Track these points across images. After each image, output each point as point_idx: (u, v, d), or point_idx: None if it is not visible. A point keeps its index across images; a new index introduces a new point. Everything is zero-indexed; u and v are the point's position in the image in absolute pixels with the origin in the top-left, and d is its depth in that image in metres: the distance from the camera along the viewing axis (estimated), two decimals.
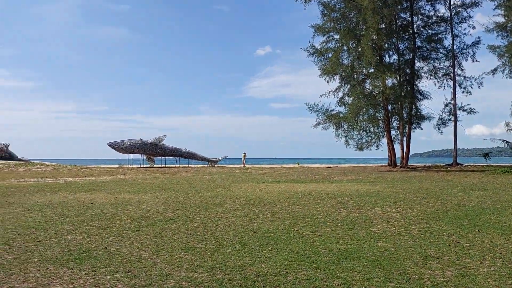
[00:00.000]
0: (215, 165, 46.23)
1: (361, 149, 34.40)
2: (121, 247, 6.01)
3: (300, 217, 8.61)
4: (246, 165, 45.91)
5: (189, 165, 45.07)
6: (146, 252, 5.68)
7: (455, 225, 7.70)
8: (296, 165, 45.67)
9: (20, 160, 39.41)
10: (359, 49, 33.07)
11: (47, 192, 14.92)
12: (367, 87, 35.84)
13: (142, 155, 42.68)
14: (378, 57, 32.96)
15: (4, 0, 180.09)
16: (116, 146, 40.92)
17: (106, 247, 5.95)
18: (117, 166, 42.61)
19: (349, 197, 12.58)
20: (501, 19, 35.99)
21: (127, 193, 14.54)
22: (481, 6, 36.88)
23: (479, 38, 37.18)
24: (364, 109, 33.48)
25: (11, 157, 39.44)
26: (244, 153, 47.11)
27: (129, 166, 41.40)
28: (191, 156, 45.67)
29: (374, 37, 31.75)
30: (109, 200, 12.26)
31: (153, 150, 42.39)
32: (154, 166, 42.52)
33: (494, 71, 37.21)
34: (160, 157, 44.02)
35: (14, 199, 12.71)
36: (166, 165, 44.65)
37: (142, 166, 42.04)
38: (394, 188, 15.61)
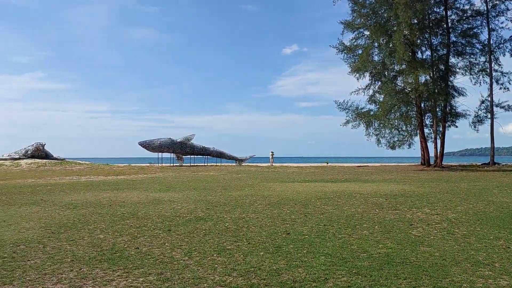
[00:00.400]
0: (243, 164, 46.24)
1: (393, 148, 33.45)
2: (152, 247, 5.91)
3: (334, 219, 8.30)
4: (273, 164, 45.67)
5: (217, 164, 45.27)
6: (178, 253, 5.56)
7: (502, 229, 7.20)
8: (325, 164, 45.04)
9: (55, 159, 40.69)
10: (391, 45, 32.17)
11: (80, 191, 15.21)
12: (399, 84, 34.81)
13: (172, 154, 43.24)
14: (410, 53, 31.92)
15: (40, 3, 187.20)
16: (147, 145, 41.64)
17: (138, 247, 5.87)
18: (148, 164, 43.32)
19: (384, 197, 12.13)
20: None
21: (157, 191, 14.61)
22: None
23: None
24: (396, 106, 32.50)
25: (46, 156, 40.78)
26: (272, 152, 46.89)
27: (159, 164, 42.02)
28: (219, 155, 45.86)
29: (406, 33, 30.74)
30: (140, 198, 12.32)
31: (182, 149, 42.85)
32: (183, 164, 42.97)
33: None
34: (189, 156, 44.45)
35: (49, 197, 12.99)
36: (195, 164, 45.03)
37: (172, 164, 42.56)
38: (430, 188, 14.98)
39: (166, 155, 43.46)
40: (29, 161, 37.67)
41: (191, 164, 44.38)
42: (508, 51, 35.49)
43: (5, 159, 38.56)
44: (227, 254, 5.48)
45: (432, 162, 34.96)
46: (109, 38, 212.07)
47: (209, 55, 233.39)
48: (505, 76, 35.49)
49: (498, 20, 36.30)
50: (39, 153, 40.27)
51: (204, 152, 44.80)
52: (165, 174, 26.75)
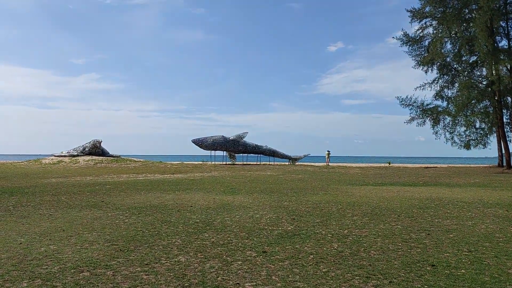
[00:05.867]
0: (296, 163, 44.35)
1: (467, 147, 30.06)
2: (257, 282, 4.30)
3: (471, 241, 6.31)
4: (329, 164, 43.36)
5: (271, 163, 43.69)
6: None
7: None
8: (388, 165, 42.06)
9: (111, 156, 40.99)
10: (468, 34, 28.88)
11: (141, 191, 14.12)
12: (475, 76, 31.32)
13: (224, 152, 42.23)
14: (492, 42, 28.43)
15: (94, 9, 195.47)
16: (200, 143, 40.90)
17: (239, 283, 4.27)
18: (201, 162, 42.63)
19: (502, 207, 9.85)
20: None
21: (222, 193, 13.18)
22: None
23: None
24: (474, 101, 29.12)
25: (103, 153, 41.18)
26: (328, 151, 44.52)
27: (212, 162, 41.15)
28: (272, 154, 44.27)
29: (486, 19, 27.32)
30: (207, 202, 10.90)
31: (235, 147, 41.71)
32: (236, 163, 41.82)
33: None
34: (241, 154, 43.25)
35: (110, 198, 11.93)
36: (248, 162, 43.75)
37: (224, 163, 41.55)
38: None
39: (218, 153, 42.57)
40: (87, 158, 38.12)
41: (244, 163, 43.13)
42: None
43: (65, 156, 39.31)
44: None
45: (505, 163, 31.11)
46: (159, 40, 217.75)
47: (253, 54, 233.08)
48: None
49: None
50: (96, 150, 40.74)
51: (257, 150, 43.39)
52: (220, 173, 25.52)
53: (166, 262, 5.05)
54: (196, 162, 43.90)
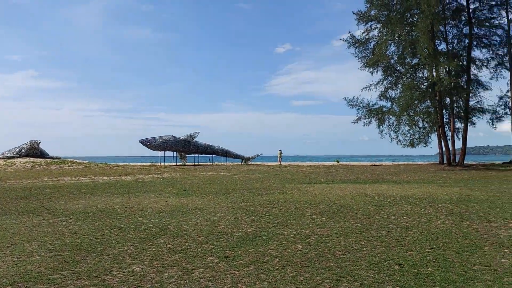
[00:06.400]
0: (249, 163, 44.25)
1: (412, 145, 31.52)
2: None
3: (431, 237, 6.37)
4: (282, 163, 43.71)
5: (223, 163, 43.21)
6: None
7: None
8: (336, 163, 43.12)
9: (51, 157, 38.42)
10: (411, 37, 30.27)
11: (85, 194, 13.17)
12: (417, 78, 32.95)
13: (174, 152, 41.13)
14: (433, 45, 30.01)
15: (33, 2, 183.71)
16: (148, 143, 39.51)
17: None
18: (149, 164, 41.20)
19: (452, 203, 10.22)
20: None
21: (175, 196, 12.61)
22: None
23: None
24: (417, 101, 30.59)
25: (42, 154, 38.47)
26: (280, 151, 44.89)
27: (161, 164, 39.91)
28: (225, 154, 43.85)
29: (428, 22, 28.75)
30: (160, 205, 10.32)
31: (186, 147, 40.76)
32: (187, 164, 40.90)
33: None
34: (192, 154, 42.36)
35: (51, 203, 10.95)
36: (199, 163, 42.96)
37: (175, 164, 40.47)
38: (487, 192, 13.09)
39: (168, 153, 41.38)
40: (24, 160, 35.41)
41: (195, 164, 42.31)
42: None
43: None
44: None
45: (445, 161, 33.07)
46: (103, 37, 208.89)
47: (204, 54, 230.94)
48: None
49: None
50: (34, 151, 38.00)
51: (209, 150, 42.74)
52: (171, 175, 24.71)
53: (118, 273, 4.53)
54: (144, 164, 42.42)
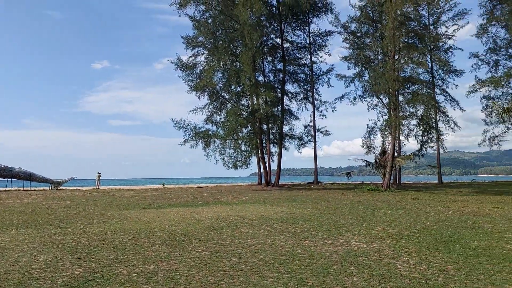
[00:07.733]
0: (60, 188, 38.82)
1: (235, 167, 33.20)
2: None
3: (282, 260, 6.24)
4: (100, 187, 39.83)
5: (26, 188, 36.63)
6: None
7: (447, 253, 6.49)
8: (162, 186, 41.79)
9: None
10: (235, 66, 32.25)
11: None
12: (241, 105, 35.22)
13: None
14: (255, 76, 32.62)
15: None
16: None
17: None
18: None
19: (284, 223, 10.67)
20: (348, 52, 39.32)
21: None
22: (334, 35, 40.10)
23: (332, 65, 40.70)
24: (240, 126, 32.53)
25: None
26: (99, 173, 40.87)
27: None
28: (28, 177, 37.44)
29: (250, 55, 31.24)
30: None
31: None
32: None
33: (341, 97, 40.08)
34: None
35: None
36: None
37: None
38: (308, 210, 14.38)
39: None
40: None
41: None
42: (326, 82, 40.14)
43: None
44: None
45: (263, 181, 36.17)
46: None
47: (3, 61, 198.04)
48: (323, 104, 39.83)
49: (318, 54, 40.62)
50: None
51: (7, 173, 35.73)
52: None
53: None
54: None
